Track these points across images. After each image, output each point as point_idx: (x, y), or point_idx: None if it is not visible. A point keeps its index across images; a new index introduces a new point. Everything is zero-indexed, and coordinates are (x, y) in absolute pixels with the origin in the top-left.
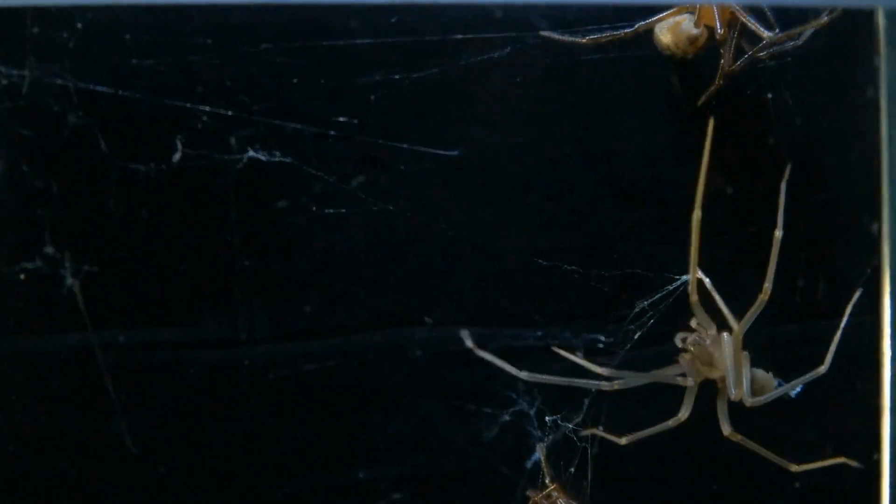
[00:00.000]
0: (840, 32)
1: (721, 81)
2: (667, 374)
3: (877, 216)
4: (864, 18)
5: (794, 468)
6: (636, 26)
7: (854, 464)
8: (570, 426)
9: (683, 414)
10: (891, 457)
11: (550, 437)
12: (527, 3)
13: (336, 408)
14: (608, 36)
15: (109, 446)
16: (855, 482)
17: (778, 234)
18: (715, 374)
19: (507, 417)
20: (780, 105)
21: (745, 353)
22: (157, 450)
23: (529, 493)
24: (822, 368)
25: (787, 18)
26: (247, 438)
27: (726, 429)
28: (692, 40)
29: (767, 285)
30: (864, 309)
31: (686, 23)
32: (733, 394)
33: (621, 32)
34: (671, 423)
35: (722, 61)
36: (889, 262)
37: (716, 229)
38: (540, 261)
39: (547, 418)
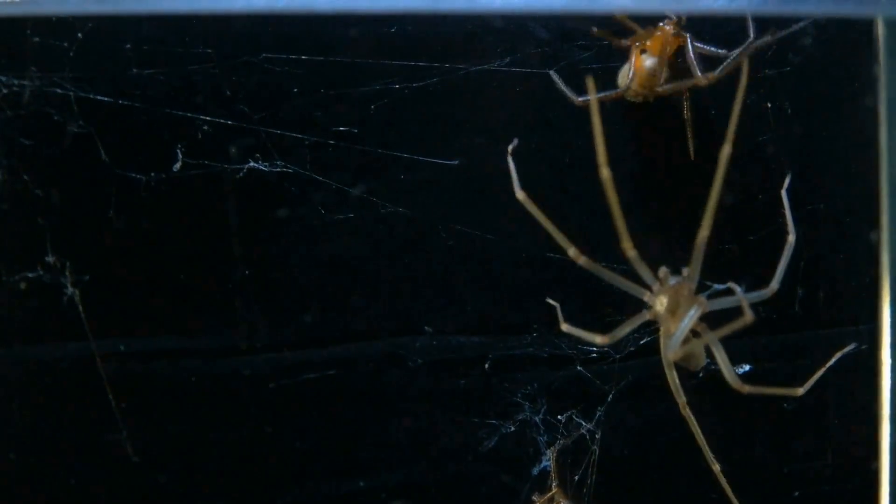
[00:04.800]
0: (839, 41)
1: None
2: (633, 287)
3: (876, 224)
4: (864, 28)
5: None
6: (620, 89)
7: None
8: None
9: (612, 338)
10: (890, 465)
11: (561, 442)
12: (526, 12)
13: (336, 416)
14: (602, 96)
15: (110, 454)
16: (855, 490)
17: (791, 237)
18: (666, 324)
19: (508, 426)
20: (779, 114)
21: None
22: (158, 458)
23: (535, 497)
24: (800, 390)
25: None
26: (247, 447)
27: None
28: (652, 73)
29: (775, 285)
30: (863, 317)
31: (645, 61)
32: (668, 353)
33: (610, 94)
34: (598, 340)
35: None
36: (888, 270)
37: (716, 238)
38: (545, 253)
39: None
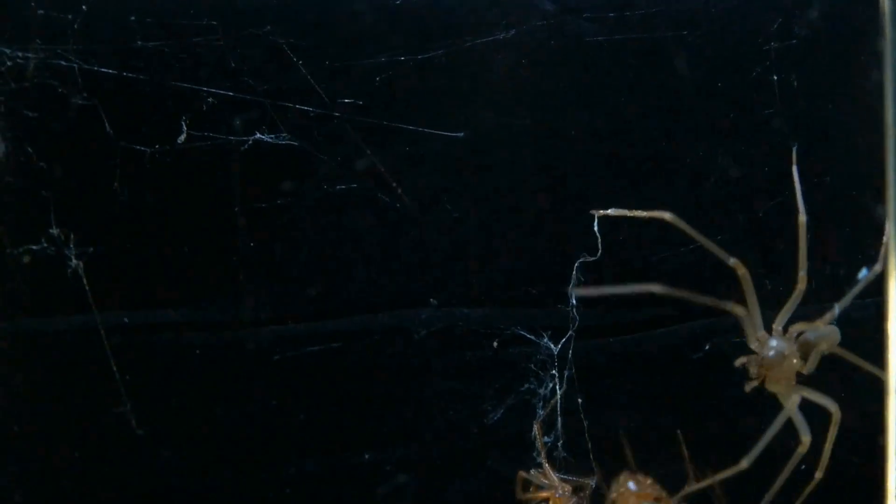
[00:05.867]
0: (845, 15)
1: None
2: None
3: (882, 197)
4: (869, 1)
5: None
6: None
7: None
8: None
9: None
10: None
11: (542, 414)
12: None
13: (341, 389)
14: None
15: (114, 428)
16: (862, 464)
17: (802, 218)
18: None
19: (513, 399)
20: (785, 87)
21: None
22: (162, 431)
23: (522, 473)
24: (744, 464)
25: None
26: (251, 420)
27: None
28: None
29: (802, 274)
30: (870, 290)
31: None
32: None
33: None
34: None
35: None
36: (894, 243)
37: (722, 213)
38: (551, 225)
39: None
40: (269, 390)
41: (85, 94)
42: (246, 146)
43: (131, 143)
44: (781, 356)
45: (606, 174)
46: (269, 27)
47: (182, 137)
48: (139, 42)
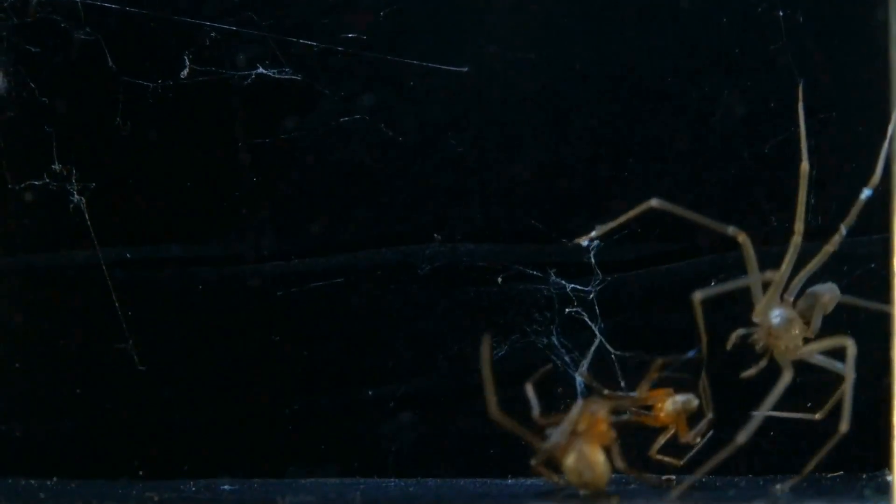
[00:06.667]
0: None
1: None
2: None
3: (884, 136)
4: None
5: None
6: None
7: None
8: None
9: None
10: None
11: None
12: None
13: (344, 325)
14: None
15: (116, 363)
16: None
17: (805, 166)
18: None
19: (518, 335)
20: (791, 23)
21: None
22: (164, 367)
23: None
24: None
25: None
26: (254, 356)
27: None
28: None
29: (799, 225)
30: (875, 227)
31: None
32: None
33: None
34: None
35: None
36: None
37: (728, 150)
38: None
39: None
40: (271, 326)
41: (87, 29)
42: (248, 81)
43: (134, 78)
44: (787, 322)
45: (611, 108)
46: None
47: (185, 72)
48: None
